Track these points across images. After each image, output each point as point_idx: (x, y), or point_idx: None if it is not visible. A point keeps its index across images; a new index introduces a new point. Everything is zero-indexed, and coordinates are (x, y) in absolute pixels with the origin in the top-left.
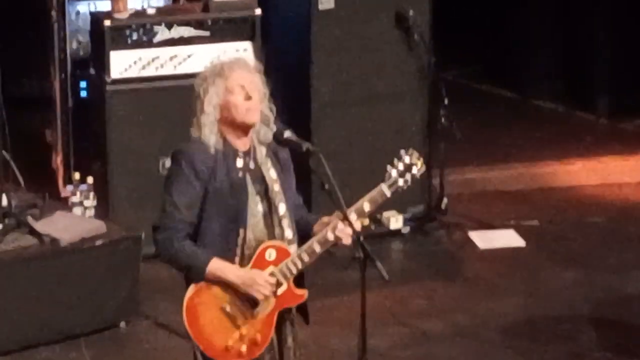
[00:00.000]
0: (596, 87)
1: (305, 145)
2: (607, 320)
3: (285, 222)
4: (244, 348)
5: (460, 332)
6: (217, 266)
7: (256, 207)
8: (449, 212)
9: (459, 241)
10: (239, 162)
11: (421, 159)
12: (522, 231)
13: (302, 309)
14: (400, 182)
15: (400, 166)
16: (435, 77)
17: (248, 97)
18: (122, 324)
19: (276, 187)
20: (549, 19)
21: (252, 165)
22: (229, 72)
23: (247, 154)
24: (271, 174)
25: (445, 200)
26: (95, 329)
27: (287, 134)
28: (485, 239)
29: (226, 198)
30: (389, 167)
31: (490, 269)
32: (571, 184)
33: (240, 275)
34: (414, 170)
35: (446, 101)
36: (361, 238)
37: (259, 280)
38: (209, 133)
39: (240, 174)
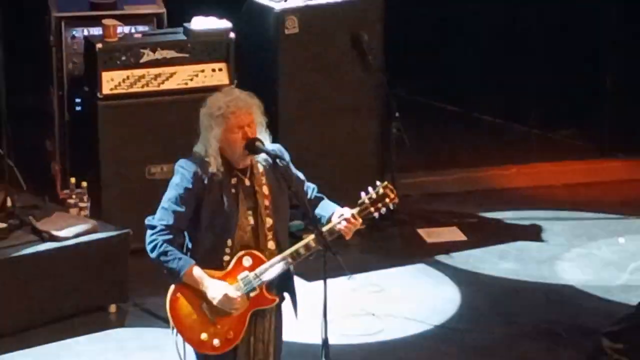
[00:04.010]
0: (529, 102)
1: (274, 154)
2: (539, 305)
3: (270, 235)
4: (216, 342)
5: (412, 318)
6: (193, 278)
7: (247, 221)
8: (400, 211)
9: (409, 237)
10: (234, 180)
11: (394, 192)
12: (464, 228)
13: (291, 304)
14: (372, 209)
15: (373, 195)
16: (388, 93)
17: (245, 137)
18: (112, 308)
19: (266, 202)
20: (487, 42)
21: (247, 182)
22: (231, 115)
23: (243, 171)
24: (264, 190)
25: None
26: (86, 311)
27: (258, 144)
28: (432, 235)
29: (218, 212)
30: (362, 194)
31: (436, 261)
32: (507, 186)
33: (213, 296)
34: (387, 200)
35: (397, 114)
36: (322, 232)
37: (230, 298)
38: (212, 157)
39: (234, 191)
